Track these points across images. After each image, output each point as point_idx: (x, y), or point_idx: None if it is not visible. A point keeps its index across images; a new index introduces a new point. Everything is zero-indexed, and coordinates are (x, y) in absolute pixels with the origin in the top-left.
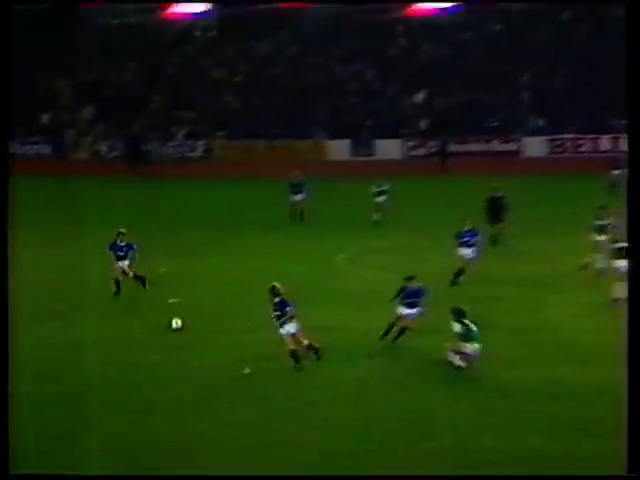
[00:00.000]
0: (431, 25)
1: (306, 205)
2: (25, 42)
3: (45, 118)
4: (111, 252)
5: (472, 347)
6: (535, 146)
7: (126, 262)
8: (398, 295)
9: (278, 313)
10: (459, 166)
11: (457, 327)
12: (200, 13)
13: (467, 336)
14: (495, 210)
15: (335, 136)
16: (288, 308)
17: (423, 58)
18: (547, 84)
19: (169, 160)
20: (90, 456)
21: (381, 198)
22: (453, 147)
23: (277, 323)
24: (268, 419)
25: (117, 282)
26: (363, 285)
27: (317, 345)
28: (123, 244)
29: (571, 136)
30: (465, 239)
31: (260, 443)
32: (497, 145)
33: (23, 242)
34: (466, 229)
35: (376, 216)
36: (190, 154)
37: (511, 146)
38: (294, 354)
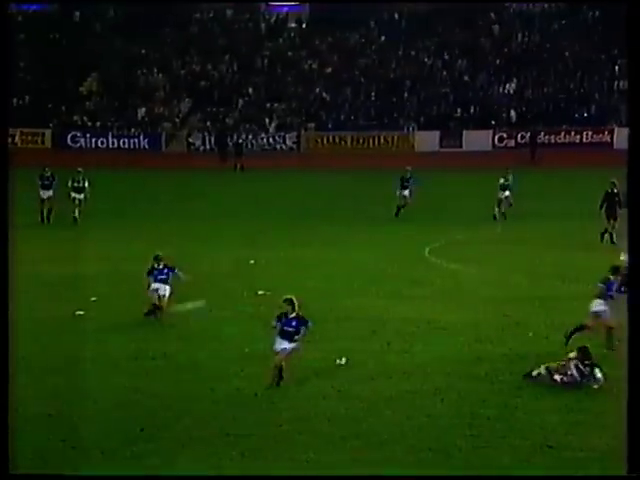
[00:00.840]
0: (522, 14)
1: (411, 200)
2: (122, 39)
3: (142, 112)
4: (150, 277)
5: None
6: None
7: (167, 287)
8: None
9: (285, 327)
10: (550, 157)
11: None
12: (292, 6)
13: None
14: (610, 206)
15: (424, 127)
16: (302, 328)
17: (514, 48)
18: None
19: (260, 152)
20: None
21: (505, 193)
22: (544, 138)
23: (277, 335)
24: (350, 414)
25: (155, 306)
26: (448, 278)
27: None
28: (161, 267)
29: None
30: None
31: (343, 436)
32: (589, 136)
33: (121, 235)
34: None
35: (497, 211)
36: (281, 145)
37: (603, 137)
38: (280, 371)
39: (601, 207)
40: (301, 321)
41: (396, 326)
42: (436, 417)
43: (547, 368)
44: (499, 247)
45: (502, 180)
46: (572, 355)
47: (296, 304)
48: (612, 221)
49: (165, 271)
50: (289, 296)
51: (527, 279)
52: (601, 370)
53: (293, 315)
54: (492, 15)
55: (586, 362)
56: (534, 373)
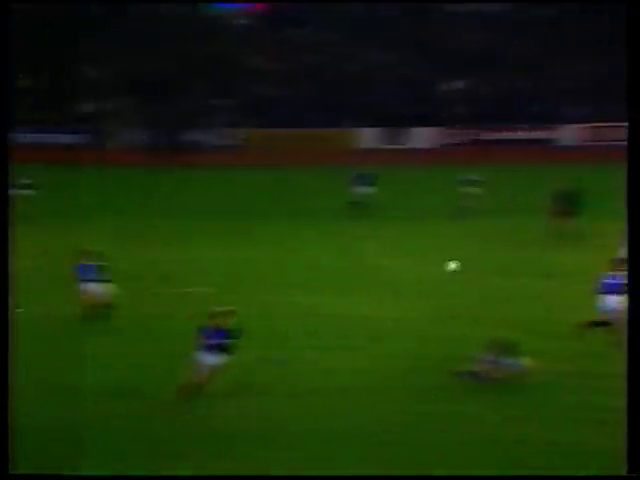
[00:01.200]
0: (471, 13)
1: (370, 198)
2: (64, 33)
3: (85, 108)
4: (80, 277)
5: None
6: (572, 134)
7: (96, 285)
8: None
9: (214, 340)
10: (495, 154)
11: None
12: (239, 3)
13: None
14: (569, 203)
15: (370, 124)
16: (232, 341)
17: (462, 46)
18: (587, 71)
19: (205, 148)
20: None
21: (472, 189)
22: (489, 135)
23: (203, 348)
24: (297, 412)
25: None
26: (396, 274)
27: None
28: (91, 264)
29: (610, 124)
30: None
31: (300, 433)
32: (534, 133)
33: (54, 233)
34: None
35: (461, 207)
36: (225, 142)
37: (548, 134)
38: (196, 389)
39: (555, 204)
40: (232, 334)
41: (345, 323)
42: (383, 413)
43: (479, 366)
44: (447, 243)
45: (467, 177)
46: (486, 352)
47: (228, 317)
48: (564, 219)
49: (95, 269)
50: (228, 308)
51: (476, 274)
52: (521, 356)
53: (225, 327)
54: (441, 13)
55: (504, 353)
56: (469, 370)
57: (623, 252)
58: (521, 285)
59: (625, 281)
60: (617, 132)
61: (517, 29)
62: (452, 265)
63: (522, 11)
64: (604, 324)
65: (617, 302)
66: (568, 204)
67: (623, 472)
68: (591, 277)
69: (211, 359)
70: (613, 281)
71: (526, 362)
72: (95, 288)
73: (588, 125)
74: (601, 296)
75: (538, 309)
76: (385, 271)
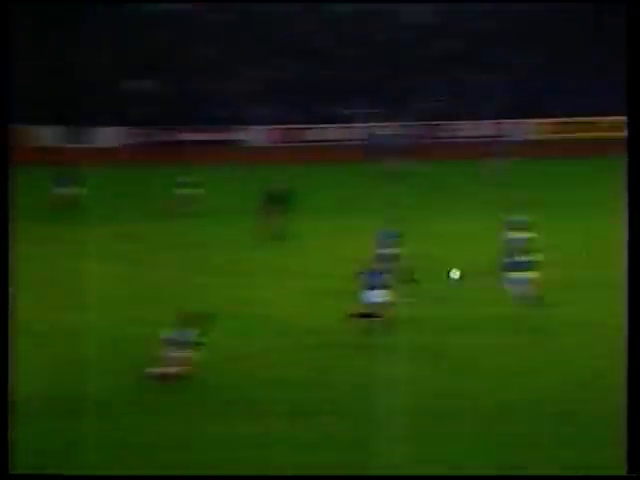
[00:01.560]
0: (165, 13)
1: (75, 197)
2: None
3: None
4: None
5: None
6: (261, 135)
7: None
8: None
9: None
10: (183, 155)
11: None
12: None
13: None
14: (276, 203)
15: (49, 122)
16: None
17: (151, 46)
18: (274, 74)
19: None
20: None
21: (191, 190)
22: (177, 136)
23: None
24: None
25: None
26: (99, 278)
27: None
28: None
29: (297, 126)
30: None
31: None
32: (222, 134)
33: None
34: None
35: (182, 208)
36: None
37: (236, 135)
38: None
39: (265, 204)
40: None
41: (38, 329)
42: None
43: (164, 362)
44: (154, 245)
45: (184, 179)
46: (174, 329)
47: None
48: (274, 218)
49: None
50: None
51: (186, 276)
52: (207, 331)
53: None
54: (128, 12)
55: (191, 325)
56: (154, 370)
57: (380, 250)
58: (230, 284)
59: (385, 276)
60: (304, 134)
61: (205, 30)
62: (455, 274)
63: (213, 12)
64: (368, 316)
65: (378, 296)
66: (277, 204)
67: (622, 472)
68: (303, 274)
69: None
70: (373, 276)
71: (203, 339)
72: None
73: (276, 127)
74: (364, 290)
75: (247, 307)
76: (88, 276)
